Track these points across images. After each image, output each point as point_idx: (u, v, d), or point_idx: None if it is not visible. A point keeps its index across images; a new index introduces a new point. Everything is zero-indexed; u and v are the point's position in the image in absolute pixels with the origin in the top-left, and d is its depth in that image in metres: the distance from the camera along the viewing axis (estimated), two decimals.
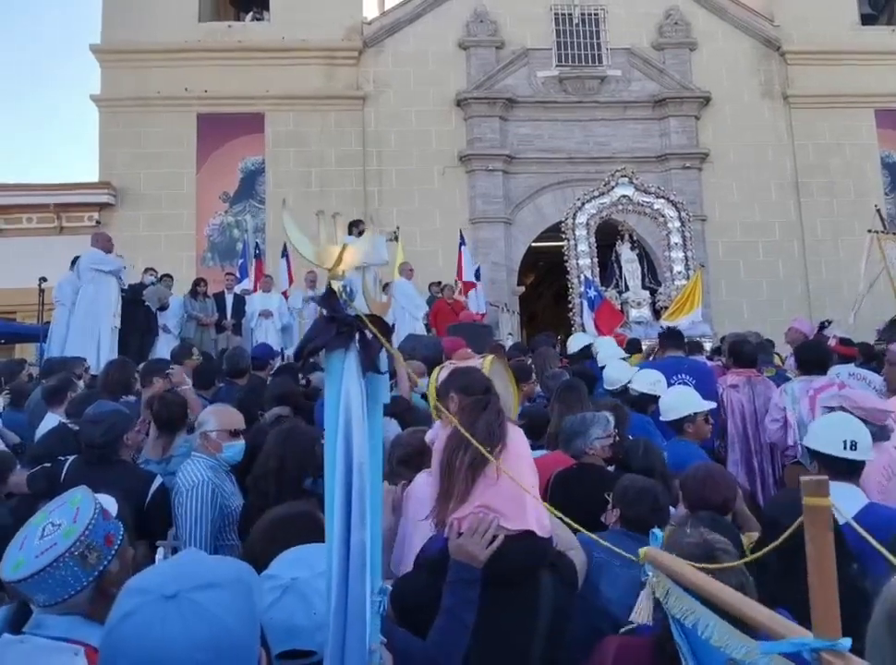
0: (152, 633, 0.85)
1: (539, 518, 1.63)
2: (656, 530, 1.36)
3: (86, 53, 12.63)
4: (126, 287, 7.71)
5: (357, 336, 1.23)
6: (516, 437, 1.69)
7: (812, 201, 13.23)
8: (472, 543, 1.53)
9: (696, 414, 3.47)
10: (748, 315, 12.24)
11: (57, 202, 12.05)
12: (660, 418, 3.62)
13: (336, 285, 1.20)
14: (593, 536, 1.55)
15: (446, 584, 1.54)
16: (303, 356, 1.32)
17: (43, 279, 8.67)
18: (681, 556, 1.50)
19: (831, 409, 3.05)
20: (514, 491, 1.58)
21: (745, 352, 4.54)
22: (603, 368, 4.67)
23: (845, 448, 2.38)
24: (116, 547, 1.39)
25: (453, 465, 1.58)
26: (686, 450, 3.33)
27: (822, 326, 7.43)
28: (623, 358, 5.13)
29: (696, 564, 1.19)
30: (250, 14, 13.87)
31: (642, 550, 1.26)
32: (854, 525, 1.01)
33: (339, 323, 1.22)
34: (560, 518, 1.57)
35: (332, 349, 1.23)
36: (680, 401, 3.57)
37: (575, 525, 1.57)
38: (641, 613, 1.29)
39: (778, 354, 6.51)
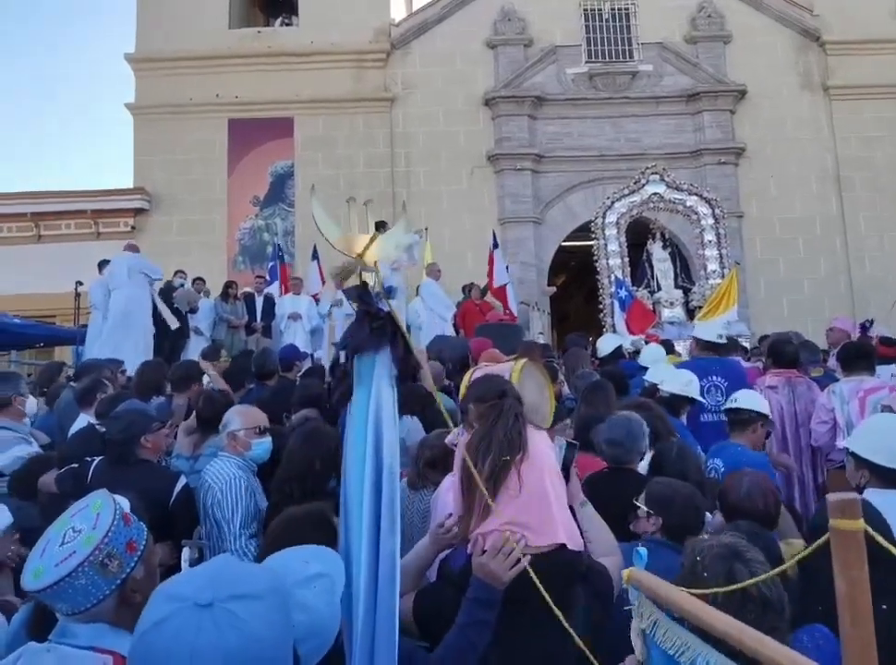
0: (185, 641, 0.83)
1: (570, 529, 1.54)
2: (640, 549, 1.22)
3: (121, 62, 12.93)
4: (156, 292, 7.82)
5: (389, 335, 1.18)
6: (539, 442, 1.58)
7: (854, 196, 12.76)
8: (496, 563, 1.43)
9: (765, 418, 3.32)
10: (788, 314, 11.87)
11: (94, 208, 12.35)
12: (730, 406, 3.41)
13: (369, 277, 1.15)
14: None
15: (464, 599, 1.46)
16: (349, 357, 1.25)
17: (80, 283, 8.86)
18: (702, 562, 1.37)
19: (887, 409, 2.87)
20: (541, 503, 1.48)
21: (786, 352, 4.34)
22: (640, 368, 4.55)
23: None
24: (139, 553, 1.34)
25: (472, 477, 1.48)
26: (745, 454, 3.12)
27: (864, 327, 7.11)
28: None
29: (689, 589, 1.04)
30: (279, 19, 14.03)
31: (625, 572, 1.11)
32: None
33: (371, 318, 1.16)
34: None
35: (365, 349, 1.17)
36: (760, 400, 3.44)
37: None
38: (638, 649, 1.13)
39: (825, 350, 6.25)
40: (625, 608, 1.13)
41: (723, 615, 0.91)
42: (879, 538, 0.74)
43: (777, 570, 1.05)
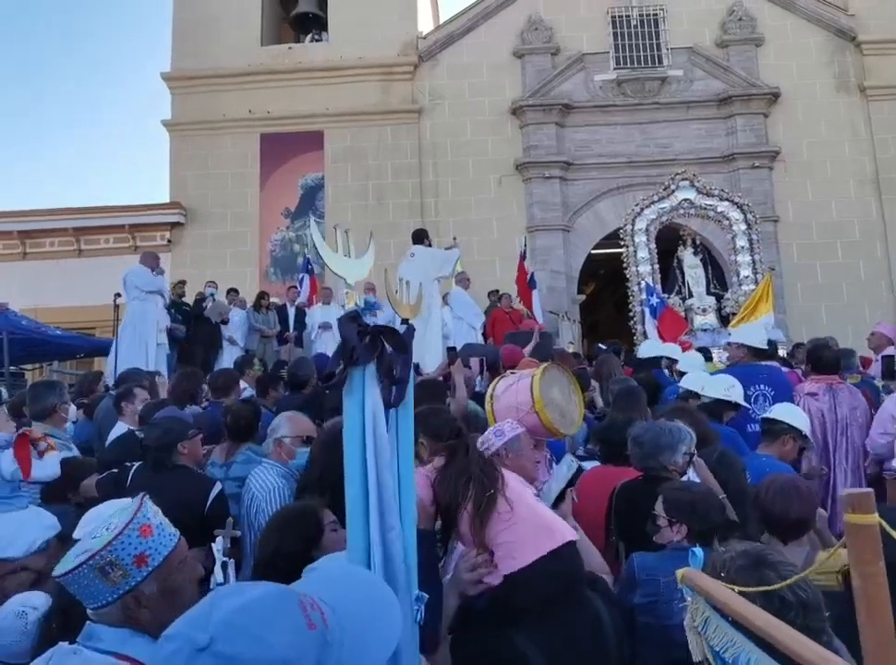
0: None
1: (565, 524, 1.69)
2: (696, 549, 1.22)
3: (156, 81, 13.32)
4: (168, 304, 8.00)
5: (380, 346, 1.25)
6: (510, 475, 1.71)
7: (895, 198, 12.40)
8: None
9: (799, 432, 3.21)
10: (827, 320, 11.55)
11: (132, 223, 12.70)
12: (766, 416, 3.33)
13: (351, 296, 1.19)
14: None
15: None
16: (346, 366, 1.28)
17: (118, 295, 9.09)
18: (728, 576, 1.33)
19: None
20: (535, 513, 1.62)
21: (826, 358, 4.20)
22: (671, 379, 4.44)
23: None
24: (150, 569, 1.27)
25: (453, 511, 1.59)
26: (769, 465, 3.02)
27: None
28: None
29: (746, 589, 1.04)
30: (310, 35, 14.30)
31: (679, 572, 1.12)
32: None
33: (362, 333, 1.24)
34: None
35: (365, 360, 1.23)
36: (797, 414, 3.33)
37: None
38: (695, 648, 1.12)
39: (863, 357, 6.06)
40: (681, 604, 1.14)
41: (764, 613, 0.91)
42: (888, 528, 0.73)
43: (807, 571, 1.03)
